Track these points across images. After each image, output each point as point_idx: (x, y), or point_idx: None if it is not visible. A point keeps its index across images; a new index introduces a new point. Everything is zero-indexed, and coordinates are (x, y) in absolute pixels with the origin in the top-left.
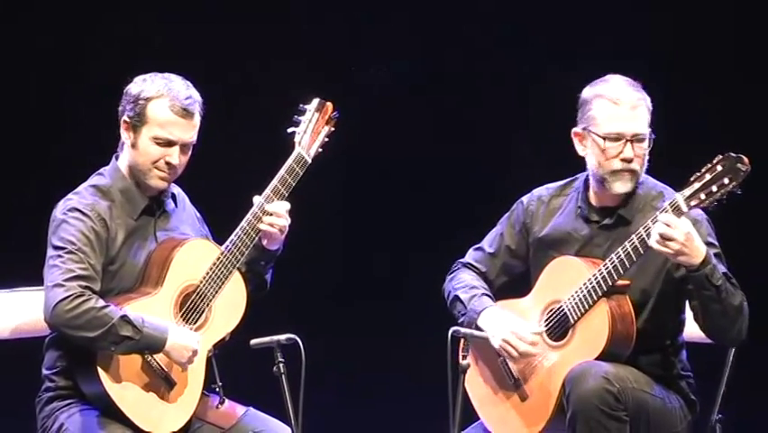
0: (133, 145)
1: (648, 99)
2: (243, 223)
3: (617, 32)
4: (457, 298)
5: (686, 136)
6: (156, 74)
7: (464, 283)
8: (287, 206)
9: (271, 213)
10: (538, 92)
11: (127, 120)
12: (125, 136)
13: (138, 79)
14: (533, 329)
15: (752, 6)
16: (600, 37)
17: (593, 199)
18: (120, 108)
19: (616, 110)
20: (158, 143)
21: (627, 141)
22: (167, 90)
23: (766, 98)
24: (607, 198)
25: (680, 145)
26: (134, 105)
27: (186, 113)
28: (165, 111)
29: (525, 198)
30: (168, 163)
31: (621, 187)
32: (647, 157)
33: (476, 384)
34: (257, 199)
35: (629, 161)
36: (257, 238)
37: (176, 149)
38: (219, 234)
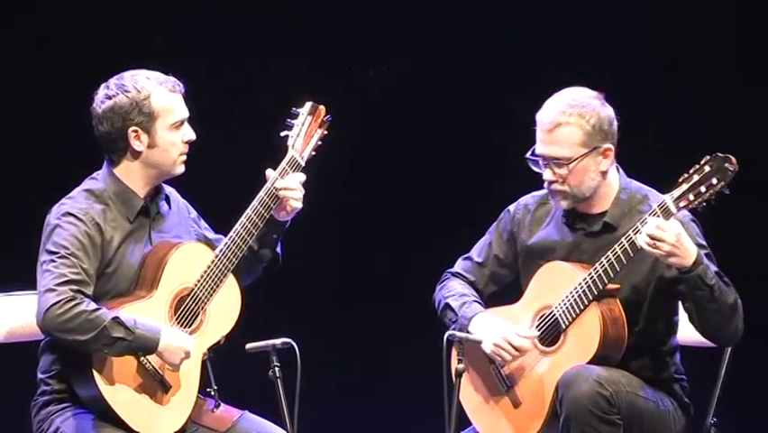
0: (151, 146)
1: (588, 118)
2: (237, 226)
3: (617, 32)
4: (447, 306)
5: (686, 136)
6: (119, 79)
7: (454, 291)
8: (301, 177)
9: (284, 188)
10: (538, 92)
11: (136, 128)
12: (137, 145)
13: (110, 92)
14: (524, 333)
15: (752, 6)
16: (600, 37)
17: (581, 209)
18: (110, 128)
19: (538, 131)
20: (176, 127)
21: (545, 164)
22: (153, 80)
23: (766, 98)
24: (588, 206)
25: (680, 145)
26: (137, 110)
27: (178, 88)
28: (167, 96)
29: (511, 207)
30: (187, 142)
31: (561, 204)
32: (589, 175)
33: (468, 391)
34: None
35: (548, 183)
36: (251, 241)
37: (187, 125)
38: (218, 233)
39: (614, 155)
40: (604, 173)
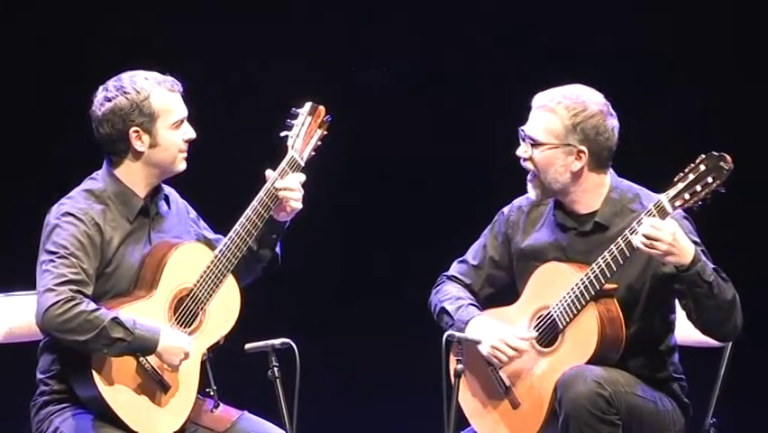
0: (153, 146)
1: (573, 114)
2: (237, 226)
3: (617, 32)
4: (443, 309)
5: (686, 136)
6: (117, 80)
7: (450, 295)
8: (301, 177)
9: (284, 188)
10: (538, 92)
11: (137, 129)
12: (138, 145)
13: (110, 94)
14: (521, 335)
15: (752, 6)
16: (600, 37)
17: (568, 207)
18: (111, 130)
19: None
20: (176, 126)
21: (522, 138)
22: (151, 81)
23: (766, 98)
24: (577, 204)
25: (680, 145)
26: (138, 111)
27: (177, 87)
28: (166, 95)
29: (506, 209)
30: (187, 140)
31: (531, 193)
32: (556, 168)
33: (467, 394)
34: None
35: (520, 158)
36: (250, 241)
37: (187, 124)
38: (218, 233)
39: (593, 162)
40: (575, 174)
